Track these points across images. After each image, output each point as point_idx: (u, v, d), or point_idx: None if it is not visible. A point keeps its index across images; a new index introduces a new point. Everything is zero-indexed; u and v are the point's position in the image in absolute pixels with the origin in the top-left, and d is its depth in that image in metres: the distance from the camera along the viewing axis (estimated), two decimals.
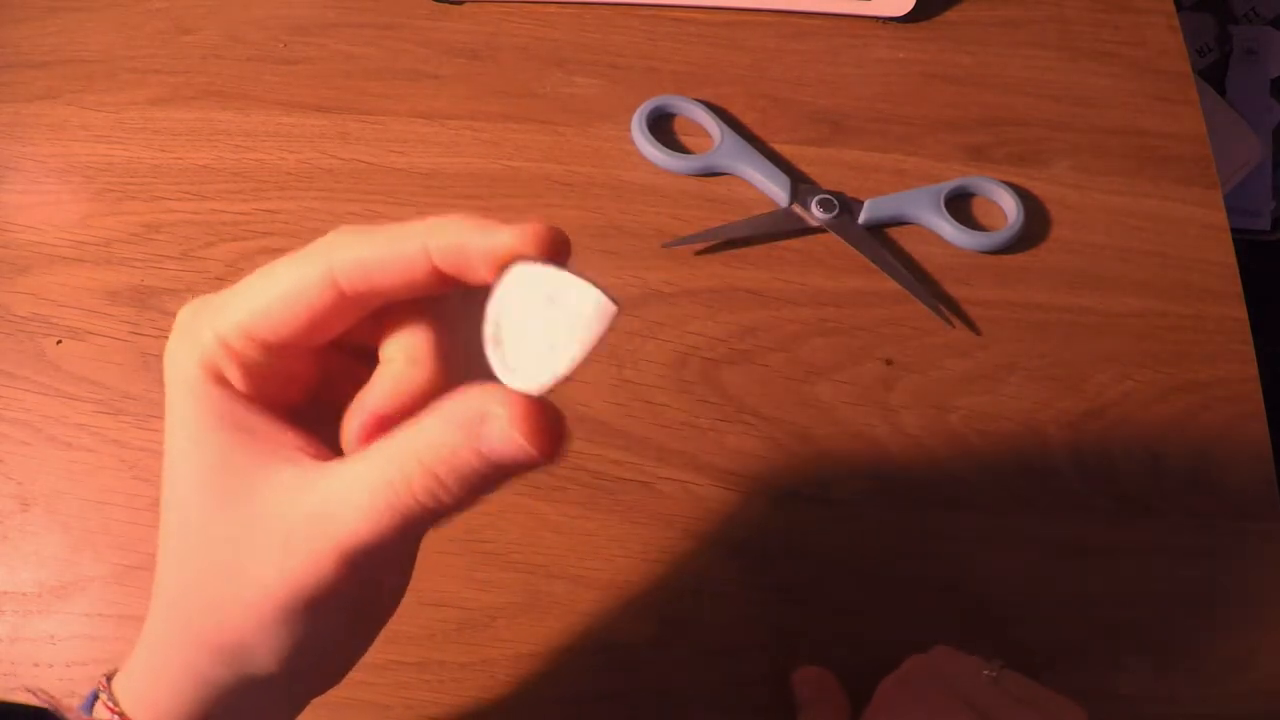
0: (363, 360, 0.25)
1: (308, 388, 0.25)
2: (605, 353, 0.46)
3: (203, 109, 0.52)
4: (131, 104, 0.52)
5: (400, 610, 0.40)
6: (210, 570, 0.23)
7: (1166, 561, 0.43)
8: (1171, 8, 0.58)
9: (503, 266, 0.22)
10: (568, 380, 0.21)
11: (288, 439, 0.24)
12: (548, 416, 0.21)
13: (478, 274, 0.22)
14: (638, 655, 0.40)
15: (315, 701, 0.40)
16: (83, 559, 0.41)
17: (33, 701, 0.27)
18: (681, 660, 0.41)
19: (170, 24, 0.55)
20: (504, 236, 0.22)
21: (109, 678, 0.26)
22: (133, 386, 0.45)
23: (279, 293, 0.23)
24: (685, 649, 0.41)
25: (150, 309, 0.46)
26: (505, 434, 0.21)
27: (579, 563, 0.42)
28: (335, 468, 0.23)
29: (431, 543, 0.42)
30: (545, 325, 0.21)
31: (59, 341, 0.46)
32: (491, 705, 0.40)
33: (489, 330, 0.22)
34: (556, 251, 0.22)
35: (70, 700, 0.27)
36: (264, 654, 0.24)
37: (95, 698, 0.26)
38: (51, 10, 0.55)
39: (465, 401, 0.22)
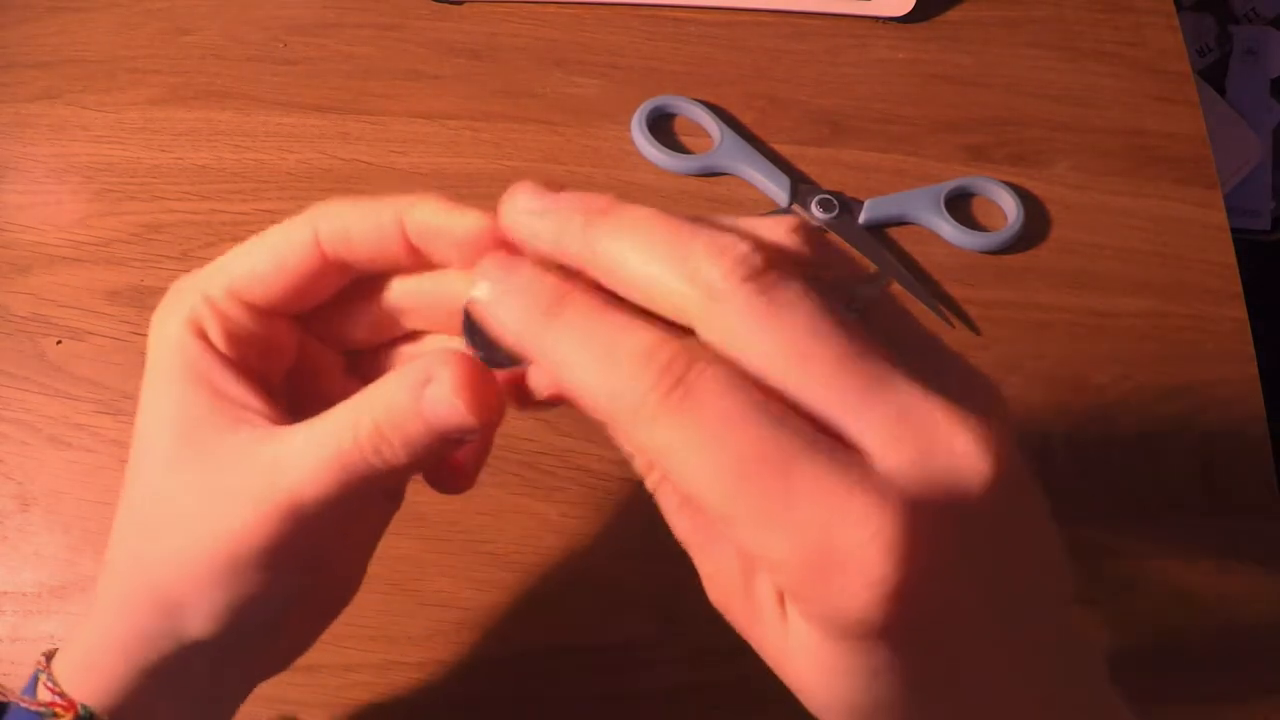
0: (338, 352, 0.27)
1: (283, 365, 0.26)
2: None
3: (203, 109, 0.52)
4: (131, 104, 0.52)
5: (400, 610, 0.40)
6: (160, 524, 0.24)
7: (1167, 561, 0.43)
8: (1171, 8, 0.58)
9: (469, 259, 0.23)
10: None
11: (254, 404, 0.24)
12: (486, 384, 0.22)
13: (447, 256, 0.24)
14: (638, 655, 0.40)
15: (314, 701, 0.40)
16: (83, 559, 0.41)
17: None
18: (681, 660, 0.41)
19: (170, 24, 0.55)
20: (471, 221, 0.23)
21: (49, 657, 0.26)
22: (133, 386, 0.44)
23: (266, 255, 0.24)
24: (685, 649, 0.41)
25: (150, 309, 0.46)
26: (444, 397, 0.22)
27: (578, 562, 0.42)
28: (290, 429, 0.23)
29: (431, 543, 0.42)
30: None
31: (59, 341, 0.46)
32: (491, 705, 0.40)
33: (466, 308, 0.23)
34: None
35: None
36: (199, 613, 0.24)
37: (37, 679, 0.26)
38: (51, 10, 0.55)
39: (419, 363, 0.23)
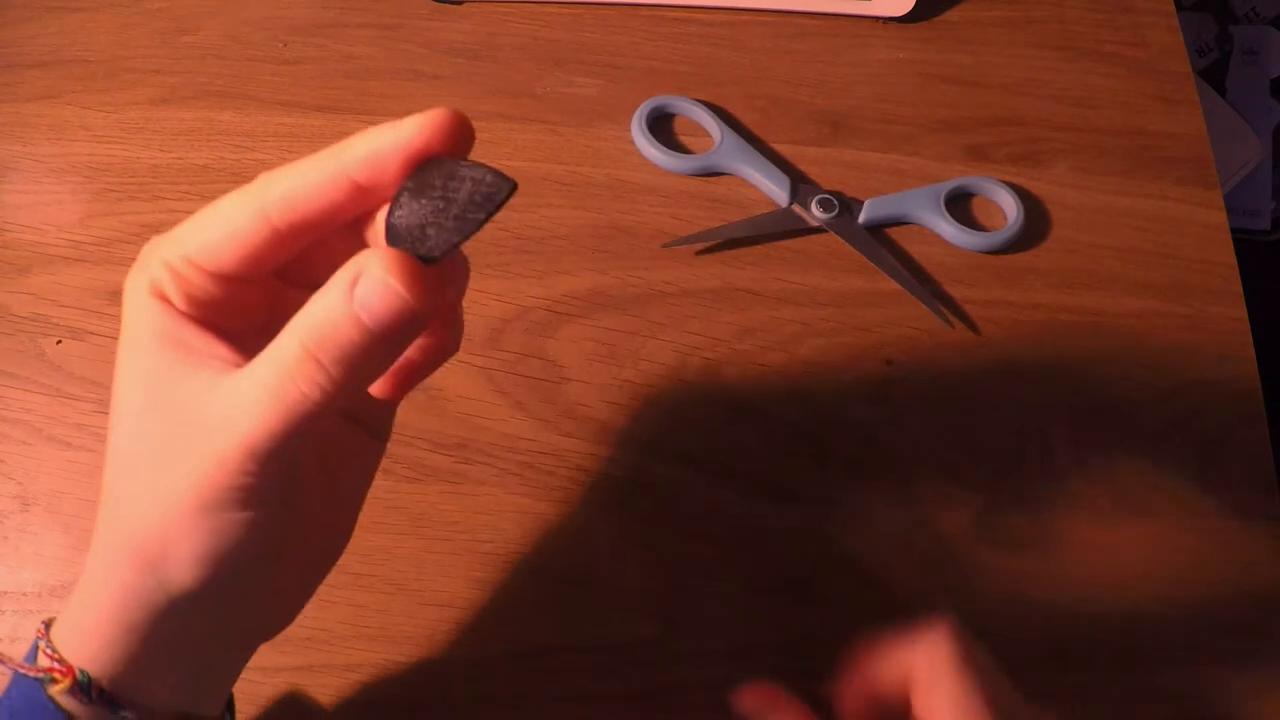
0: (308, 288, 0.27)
1: (254, 317, 0.26)
2: (605, 353, 0.46)
3: (203, 109, 0.52)
4: (131, 104, 0.52)
5: (400, 610, 0.40)
6: (133, 477, 0.24)
7: (1166, 561, 0.43)
8: (1171, 8, 0.58)
9: (409, 164, 0.23)
10: (458, 253, 0.23)
11: (219, 352, 0.24)
12: (421, 269, 0.22)
13: (392, 176, 0.23)
14: (638, 655, 0.40)
15: (314, 701, 0.40)
16: (83, 559, 0.41)
17: None
18: (682, 660, 0.41)
19: (170, 24, 0.55)
20: (408, 127, 0.23)
21: (48, 625, 0.27)
22: None
23: (219, 230, 0.24)
24: (685, 649, 0.41)
25: None
26: (380, 283, 0.22)
27: (578, 563, 0.42)
28: (241, 371, 0.23)
29: (431, 543, 0.42)
30: (441, 207, 0.23)
31: (59, 341, 0.46)
32: (491, 705, 0.40)
33: (389, 219, 0.23)
34: (461, 138, 0.23)
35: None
36: (180, 563, 0.24)
37: (37, 647, 0.26)
38: (51, 10, 0.55)
39: (343, 269, 0.22)
